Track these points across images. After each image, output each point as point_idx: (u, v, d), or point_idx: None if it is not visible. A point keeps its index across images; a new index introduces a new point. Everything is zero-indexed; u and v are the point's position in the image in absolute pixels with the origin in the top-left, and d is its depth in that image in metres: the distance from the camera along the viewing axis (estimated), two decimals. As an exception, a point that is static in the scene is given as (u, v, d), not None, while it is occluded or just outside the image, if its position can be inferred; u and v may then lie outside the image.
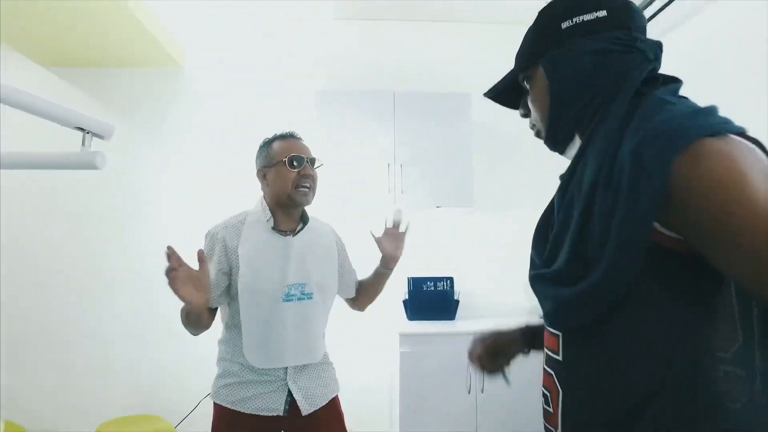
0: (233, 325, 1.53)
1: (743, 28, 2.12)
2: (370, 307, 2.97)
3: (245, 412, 1.48)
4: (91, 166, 1.42)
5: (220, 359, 1.58)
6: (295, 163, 1.50)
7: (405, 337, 2.49)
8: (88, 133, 1.45)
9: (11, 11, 2.44)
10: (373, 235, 1.73)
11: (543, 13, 0.84)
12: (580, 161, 0.75)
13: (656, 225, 0.63)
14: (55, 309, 2.97)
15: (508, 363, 1.08)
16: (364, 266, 3.05)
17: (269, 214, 1.53)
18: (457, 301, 2.87)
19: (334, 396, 1.60)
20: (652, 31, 2.35)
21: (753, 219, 0.56)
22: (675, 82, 0.77)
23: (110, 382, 2.96)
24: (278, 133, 1.61)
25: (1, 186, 2.24)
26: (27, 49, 2.95)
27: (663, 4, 2.40)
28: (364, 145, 2.76)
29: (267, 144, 1.59)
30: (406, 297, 2.88)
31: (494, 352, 1.08)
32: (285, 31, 3.22)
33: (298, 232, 1.55)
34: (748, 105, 2.14)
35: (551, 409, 0.78)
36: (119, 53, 2.99)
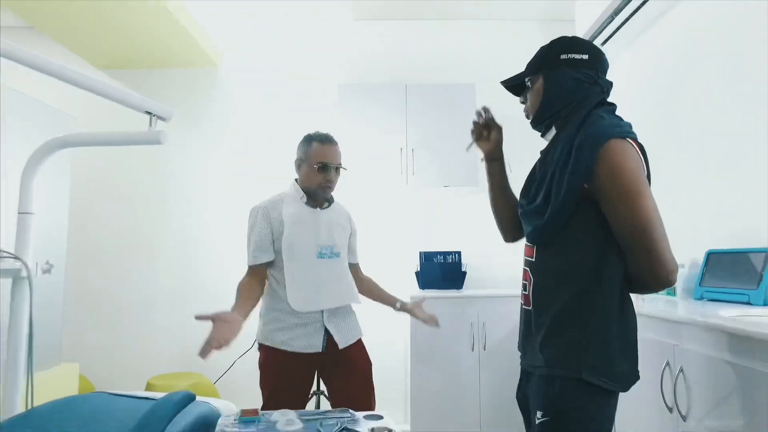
0: (276, 281, 1.85)
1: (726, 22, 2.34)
2: (386, 278, 3.30)
3: (290, 350, 1.77)
4: (157, 141, 1.79)
5: (267, 309, 1.87)
6: (322, 170, 1.84)
7: (415, 301, 2.79)
8: (153, 116, 1.82)
9: (69, 17, 2.81)
10: (418, 315, 2.06)
11: (552, 43, 1.30)
12: (555, 143, 1.24)
13: (585, 186, 1.12)
14: (111, 278, 3.39)
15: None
16: (378, 236, 3.38)
17: (302, 193, 1.88)
18: (465, 273, 3.17)
19: (359, 337, 1.94)
20: (641, 21, 2.55)
21: (624, 186, 1.09)
22: (610, 105, 1.28)
23: (156, 342, 3.35)
24: (319, 133, 1.91)
25: (70, 173, 2.63)
26: (84, 53, 3.36)
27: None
28: (380, 132, 3.08)
29: (308, 141, 1.90)
30: (418, 269, 3.19)
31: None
32: (309, 31, 3.56)
33: (325, 207, 1.91)
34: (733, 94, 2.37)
35: (526, 292, 1.26)
36: (162, 55, 3.37)
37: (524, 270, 1.28)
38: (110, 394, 1.56)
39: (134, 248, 3.41)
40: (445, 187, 3.11)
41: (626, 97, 3.17)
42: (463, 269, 3.18)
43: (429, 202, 3.40)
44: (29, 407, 1.52)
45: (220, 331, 1.60)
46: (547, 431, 1.13)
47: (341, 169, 1.92)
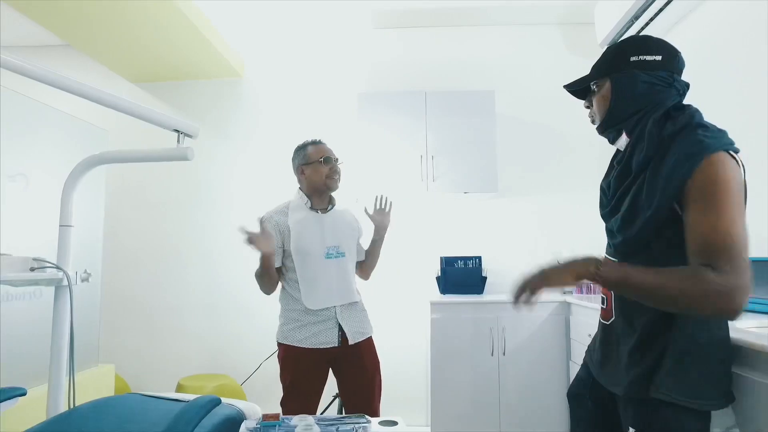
0: (289, 283, 2.00)
1: (742, 23, 2.32)
2: (408, 283, 3.36)
3: (307, 347, 1.91)
4: (184, 158, 1.88)
5: (284, 310, 2.03)
6: (326, 162, 2.01)
7: (435, 305, 2.85)
8: (181, 133, 1.92)
9: (100, 34, 2.96)
10: (366, 212, 2.17)
11: (621, 44, 1.23)
12: (633, 151, 1.17)
13: (675, 204, 1.05)
14: (144, 284, 3.55)
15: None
16: (400, 242, 3.44)
17: (306, 198, 2.03)
18: (485, 278, 3.19)
19: (370, 335, 2.06)
20: (662, 24, 2.53)
21: (713, 195, 1.00)
22: (688, 107, 1.18)
23: (187, 345, 3.49)
24: (309, 140, 2.11)
25: (106, 184, 2.78)
26: (117, 68, 3.52)
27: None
28: (400, 140, 3.14)
29: (302, 148, 2.09)
30: (439, 274, 3.23)
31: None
32: (330, 40, 3.65)
33: (329, 210, 2.05)
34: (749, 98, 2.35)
35: (605, 306, 1.24)
36: (189, 68, 3.51)
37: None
38: (143, 395, 1.67)
39: (165, 255, 3.56)
40: (465, 194, 3.14)
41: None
42: (483, 274, 3.21)
43: (449, 208, 3.44)
44: (71, 406, 1.64)
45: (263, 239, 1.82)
46: None
47: (340, 164, 2.07)
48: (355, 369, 1.97)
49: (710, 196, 1.00)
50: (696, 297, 0.96)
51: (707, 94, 2.51)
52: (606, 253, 1.29)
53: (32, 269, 1.66)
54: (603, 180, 1.32)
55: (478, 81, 3.47)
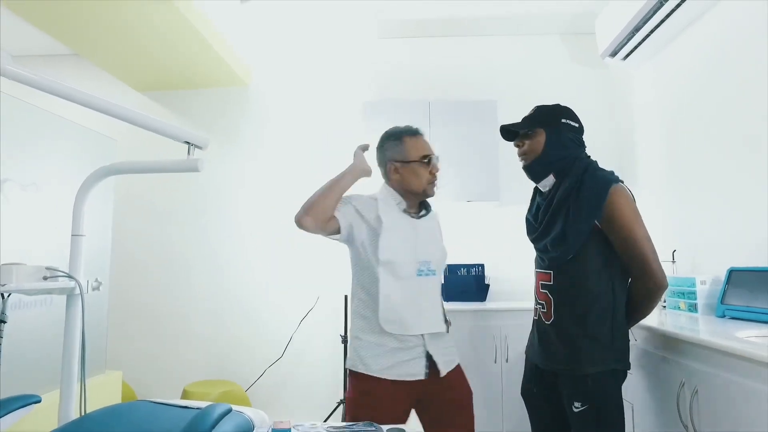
0: (370, 298, 1.60)
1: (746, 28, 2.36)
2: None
3: (389, 378, 1.53)
4: (195, 169, 1.92)
5: (362, 331, 1.61)
6: (428, 163, 1.69)
7: (439, 313, 2.87)
8: (191, 145, 1.96)
9: (107, 43, 3.00)
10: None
11: (553, 107, 1.64)
12: (557, 188, 1.57)
13: (596, 222, 1.47)
14: (151, 291, 3.59)
15: None
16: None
17: (400, 198, 1.67)
18: (488, 285, 3.22)
19: (458, 362, 1.70)
20: (662, 36, 2.54)
21: (632, 227, 1.46)
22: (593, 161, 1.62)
23: (192, 351, 3.52)
24: (404, 127, 1.77)
25: (114, 192, 2.82)
26: (124, 77, 3.58)
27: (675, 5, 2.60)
28: (403, 149, 3.17)
29: (397, 138, 1.72)
30: (443, 281, 3.25)
31: None
32: (337, 49, 3.70)
33: (422, 216, 1.70)
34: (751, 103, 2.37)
35: (545, 310, 1.59)
36: (196, 77, 3.56)
37: (542, 293, 1.62)
38: (152, 402, 1.69)
39: (171, 262, 3.60)
40: (468, 202, 3.18)
41: (649, 109, 3.18)
42: (486, 282, 3.24)
43: (452, 216, 3.46)
44: (82, 413, 1.67)
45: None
46: (586, 417, 1.46)
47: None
48: (448, 403, 1.63)
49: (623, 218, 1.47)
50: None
51: (709, 105, 2.54)
52: (538, 267, 1.67)
53: (45, 278, 1.69)
54: (528, 213, 1.74)
55: (481, 90, 3.51)
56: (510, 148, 3.40)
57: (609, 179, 1.49)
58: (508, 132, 1.67)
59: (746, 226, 2.22)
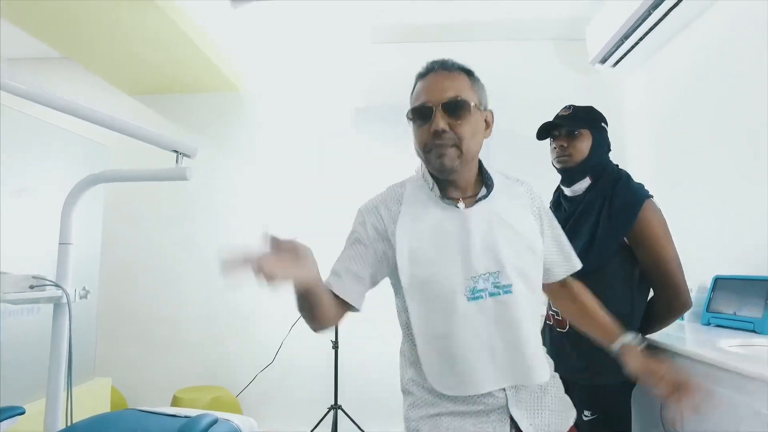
0: (408, 339, 1.13)
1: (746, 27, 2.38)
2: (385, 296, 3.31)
3: None
4: (183, 177, 1.93)
5: (412, 383, 1.11)
6: (420, 116, 1.08)
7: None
8: (180, 153, 1.96)
9: (96, 46, 2.97)
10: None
11: (591, 108, 1.65)
12: (588, 192, 1.60)
13: (624, 238, 1.49)
14: (141, 297, 3.56)
15: None
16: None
17: (431, 181, 1.12)
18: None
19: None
20: (651, 44, 2.57)
21: (663, 246, 1.49)
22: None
23: (183, 357, 3.50)
24: (427, 64, 1.18)
25: (104, 199, 2.81)
26: (115, 81, 3.56)
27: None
28: (395, 153, 3.18)
29: (414, 86, 1.19)
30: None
31: None
32: (329, 54, 3.69)
33: (479, 200, 1.12)
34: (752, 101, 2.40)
35: (561, 318, 1.57)
36: (186, 81, 3.54)
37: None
38: (140, 410, 1.69)
39: (162, 268, 3.58)
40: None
41: (639, 115, 3.21)
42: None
43: (443, 221, 3.47)
44: (69, 423, 1.67)
45: (281, 259, 0.85)
46: (595, 425, 1.47)
47: (466, 113, 1.07)
48: None
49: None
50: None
51: (695, 113, 2.57)
52: None
53: (32, 287, 1.68)
54: None
55: (471, 97, 3.52)
56: (502, 154, 3.47)
57: (642, 193, 1.51)
58: (545, 130, 1.66)
59: (733, 234, 2.24)
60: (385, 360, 3.34)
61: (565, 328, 1.56)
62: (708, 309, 2.10)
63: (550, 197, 1.79)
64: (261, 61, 3.74)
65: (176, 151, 1.89)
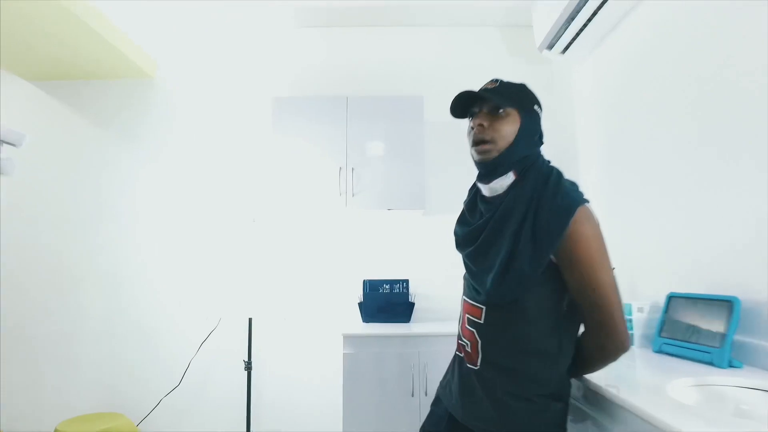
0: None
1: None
2: (327, 311, 3.00)
3: None
4: (5, 172, 1.49)
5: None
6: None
7: (349, 339, 2.49)
8: (2, 142, 1.52)
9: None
10: None
11: (522, 86, 1.24)
12: (508, 192, 1.19)
13: (552, 257, 1.11)
14: (29, 309, 3.08)
15: None
16: (316, 264, 3.08)
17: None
18: (412, 304, 2.87)
19: None
20: (598, 28, 2.27)
21: (597, 269, 1.10)
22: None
23: (76, 379, 3.03)
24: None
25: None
26: (8, 64, 3.07)
27: None
28: (316, 149, 2.79)
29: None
30: (361, 299, 2.88)
31: None
32: (251, 39, 3.29)
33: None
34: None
35: (470, 351, 1.22)
36: (90, 67, 3.11)
37: (467, 329, 1.25)
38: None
39: (57, 277, 3.11)
40: (389, 210, 2.81)
41: (588, 106, 2.90)
42: (410, 300, 2.88)
43: (371, 226, 3.10)
44: None
45: None
46: None
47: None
48: None
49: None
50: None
51: (650, 104, 2.25)
52: (466, 294, 1.29)
53: None
54: (459, 224, 1.35)
55: (406, 86, 3.16)
56: (438, 149, 3.11)
57: (574, 198, 1.12)
58: (462, 106, 1.25)
59: (691, 243, 1.92)
60: (305, 382, 2.98)
61: (475, 365, 1.21)
62: (660, 333, 1.77)
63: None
64: (177, 45, 3.31)
65: (-8, 139, 1.46)
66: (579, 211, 1.08)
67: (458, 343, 1.31)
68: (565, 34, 2.61)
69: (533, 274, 1.10)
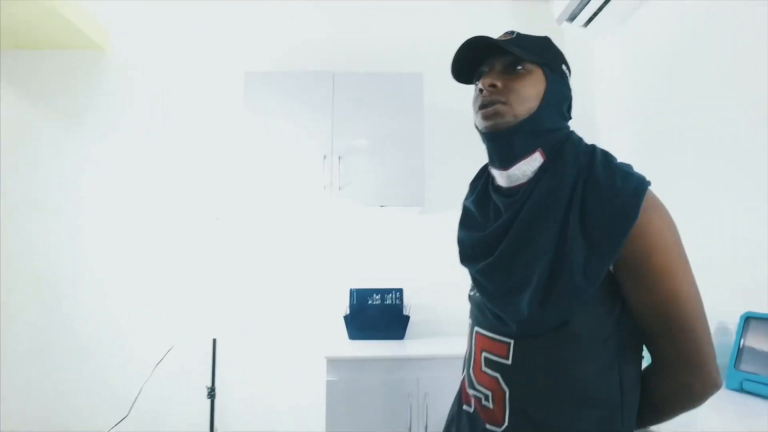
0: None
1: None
2: (309, 325, 2.57)
3: None
4: None
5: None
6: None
7: (334, 363, 2.06)
8: None
9: None
10: None
11: (546, 39, 0.91)
12: (542, 181, 0.83)
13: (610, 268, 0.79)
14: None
15: None
16: (296, 269, 2.66)
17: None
18: (407, 317, 2.46)
19: None
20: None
21: (677, 277, 0.77)
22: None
23: (4, 407, 2.54)
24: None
25: None
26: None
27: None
28: (297, 135, 2.37)
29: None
30: (347, 312, 2.47)
31: None
32: (219, 6, 2.84)
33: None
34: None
35: (491, 406, 0.85)
36: (34, 36, 2.67)
37: (486, 375, 0.87)
38: None
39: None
40: (381, 207, 2.40)
41: (614, 92, 2.57)
42: (405, 313, 2.47)
43: (360, 225, 2.68)
44: None
45: None
46: None
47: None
48: None
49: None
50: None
51: (683, 82, 1.91)
52: (479, 324, 0.91)
53: None
54: (462, 227, 0.98)
55: (403, 62, 2.76)
56: (439, 137, 2.72)
57: (641, 179, 0.79)
58: (470, 65, 0.90)
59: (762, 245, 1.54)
60: (280, 412, 2.55)
61: (500, 425, 0.84)
62: (737, 365, 1.38)
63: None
64: (132, 14, 2.84)
65: None
66: (648, 196, 0.76)
67: (466, 392, 0.93)
68: (590, 4, 2.25)
69: (590, 287, 0.76)
